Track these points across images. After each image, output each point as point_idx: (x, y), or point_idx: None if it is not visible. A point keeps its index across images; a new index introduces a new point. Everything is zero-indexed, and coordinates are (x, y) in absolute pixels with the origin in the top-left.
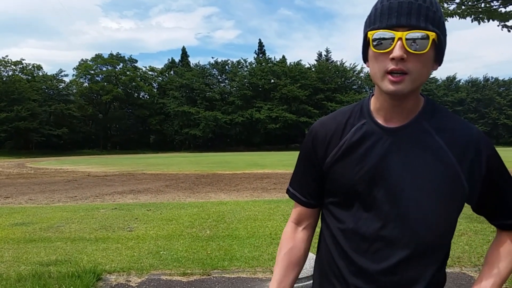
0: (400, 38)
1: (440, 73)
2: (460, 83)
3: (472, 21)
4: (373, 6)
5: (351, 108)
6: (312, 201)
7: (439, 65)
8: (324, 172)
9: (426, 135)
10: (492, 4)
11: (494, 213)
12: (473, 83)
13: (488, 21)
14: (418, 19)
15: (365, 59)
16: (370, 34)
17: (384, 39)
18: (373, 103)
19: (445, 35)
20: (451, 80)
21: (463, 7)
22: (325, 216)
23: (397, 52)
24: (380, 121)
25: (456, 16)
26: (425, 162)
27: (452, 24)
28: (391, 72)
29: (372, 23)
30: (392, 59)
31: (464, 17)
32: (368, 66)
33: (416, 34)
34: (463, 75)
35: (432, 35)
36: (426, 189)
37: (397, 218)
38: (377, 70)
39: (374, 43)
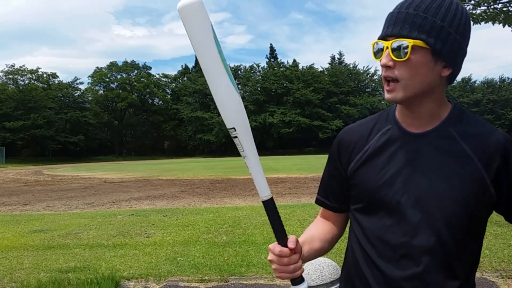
0: (387, 47)
1: None
2: (476, 84)
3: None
4: None
5: (378, 115)
6: (337, 204)
7: (451, 68)
8: (348, 178)
9: (451, 141)
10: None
11: None
12: (488, 84)
13: (505, 25)
14: (402, 28)
15: None
16: (372, 44)
17: (379, 48)
18: (398, 109)
19: (445, 39)
20: (466, 81)
21: (488, 10)
22: (351, 222)
23: (383, 60)
24: (405, 126)
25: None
26: (450, 168)
27: None
28: (386, 80)
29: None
30: (382, 66)
31: (488, 21)
32: None
33: (398, 42)
34: (478, 76)
35: (411, 42)
36: (451, 195)
37: (421, 225)
38: (382, 77)
39: (374, 52)
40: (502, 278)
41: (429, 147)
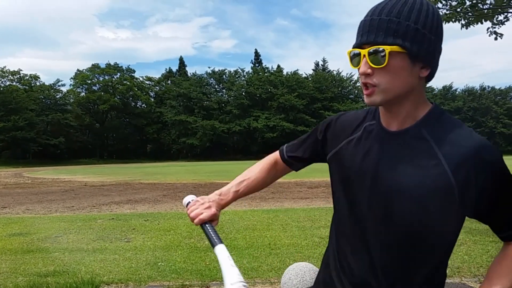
0: (364, 55)
1: (436, 82)
2: (457, 92)
3: (462, 27)
4: None
5: (370, 109)
6: (290, 159)
7: (429, 68)
8: (328, 160)
9: (423, 142)
10: (483, 10)
11: (500, 225)
12: (469, 92)
13: (477, 23)
14: (377, 35)
15: None
16: (348, 52)
17: (355, 56)
18: (380, 107)
19: (421, 41)
20: (447, 89)
21: (452, 11)
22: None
23: (361, 68)
24: (384, 124)
25: (449, 21)
26: (416, 168)
27: (447, 33)
28: (365, 85)
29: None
30: (360, 74)
31: (454, 21)
32: None
33: (375, 49)
34: (459, 84)
35: (387, 48)
36: (414, 197)
37: (381, 220)
38: (361, 82)
39: (351, 61)
40: (480, 283)
41: (401, 146)
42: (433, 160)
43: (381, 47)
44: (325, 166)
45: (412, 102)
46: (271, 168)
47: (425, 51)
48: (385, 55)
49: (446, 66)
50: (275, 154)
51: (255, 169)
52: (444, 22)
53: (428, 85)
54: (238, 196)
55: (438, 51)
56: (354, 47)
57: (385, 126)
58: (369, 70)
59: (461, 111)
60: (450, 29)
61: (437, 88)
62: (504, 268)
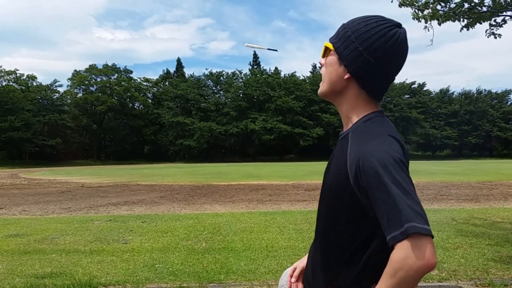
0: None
1: (433, 85)
2: (454, 96)
3: (461, 29)
4: None
5: None
6: None
7: (350, 74)
8: None
9: (343, 150)
10: (481, 12)
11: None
12: (466, 96)
13: (476, 23)
14: (333, 35)
15: None
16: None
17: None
18: None
19: (348, 46)
20: (444, 92)
21: (451, 13)
22: None
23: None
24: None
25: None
26: (335, 173)
27: (444, 37)
28: None
29: None
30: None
31: (454, 21)
32: None
33: (326, 45)
34: (456, 87)
35: (329, 45)
36: (325, 194)
37: (318, 220)
38: None
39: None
40: (477, 286)
41: (336, 148)
42: (343, 163)
43: (327, 44)
44: (321, 168)
45: (347, 106)
46: None
47: (348, 56)
48: (324, 49)
49: (443, 70)
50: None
51: None
52: (442, 22)
53: (425, 88)
54: None
55: (374, 70)
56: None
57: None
58: (322, 61)
59: (458, 115)
60: (446, 32)
61: (434, 91)
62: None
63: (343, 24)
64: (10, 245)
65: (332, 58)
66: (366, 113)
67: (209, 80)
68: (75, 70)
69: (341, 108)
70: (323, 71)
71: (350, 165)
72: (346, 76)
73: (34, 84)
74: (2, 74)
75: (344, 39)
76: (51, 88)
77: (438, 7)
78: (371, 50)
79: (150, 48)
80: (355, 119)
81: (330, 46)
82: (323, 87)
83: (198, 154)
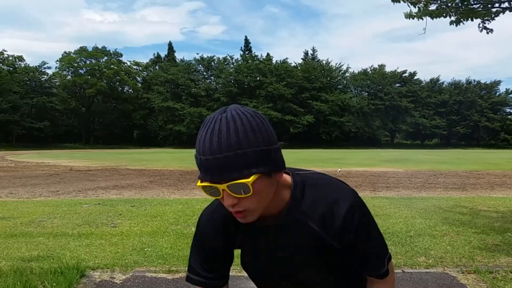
0: (223, 190)
1: (424, 75)
2: (444, 85)
3: (451, 23)
4: None
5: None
6: (217, 281)
7: (283, 170)
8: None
9: (300, 224)
10: (473, 6)
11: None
12: (456, 86)
13: (467, 20)
14: (230, 172)
15: None
16: (200, 185)
17: (211, 188)
18: None
19: (268, 156)
20: (434, 82)
21: (443, 6)
22: None
23: (227, 201)
24: (260, 220)
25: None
26: (304, 246)
27: (436, 26)
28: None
29: (200, 175)
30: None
31: (446, 16)
32: None
33: (235, 187)
34: (446, 77)
35: (248, 181)
36: (306, 268)
37: None
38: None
39: (207, 193)
40: (463, 273)
41: (283, 233)
42: (318, 239)
43: (241, 182)
44: (311, 156)
45: (276, 198)
46: None
47: (275, 163)
48: (248, 187)
49: (434, 59)
50: None
51: None
52: (434, 17)
53: (415, 77)
54: None
55: (278, 149)
56: (207, 181)
57: (261, 222)
58: (235, 201)
59: (447, 104)
60: (439, 21)
61: (424, 81)
62: None
63: (237, 153)
64: None
65: (261, 182)
66: (288, 186)
67: (200, 65)
68: (64, 52)
69: (266, 209)
70: (249, 203)
71: (335, 230)
72: (281, 177)
73: (22, 65)
74: None
75: (259, 158)
76: (39, 70)
77: (432, 7)
78: (268, 138)
79: (140, 31)
80: (287, 197)
81: (255, 176)
82: (258, 213)
83: (187, 140)
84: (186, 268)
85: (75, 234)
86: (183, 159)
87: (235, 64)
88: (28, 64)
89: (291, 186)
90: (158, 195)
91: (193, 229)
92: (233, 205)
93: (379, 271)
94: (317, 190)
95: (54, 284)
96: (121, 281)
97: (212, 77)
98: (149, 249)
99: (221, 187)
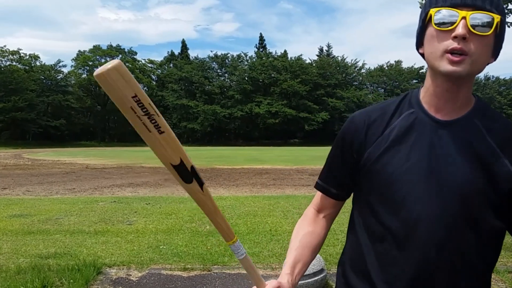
0: (464, 17)
1: None
2: None
3: None
4: None
5: (399, 98)
6: (343, 193)
7: (495, 59)
8: (362, 164)
9: (478, 134)
10: None
11: None
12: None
13: None
14: (484, 1)
15: (419, 43)
16: (433, 11)
17: (447, 16)
18: (423, 92)
19: (504, 27)
20: None
21: None
22: (359, 214)
23: (460, 30)
24: (431, 112)
25: None
26: (475, 161)
27: None
28: (451, 52)
29: (434, 2)
30: (455, 37)
31: None
32: (420, 53)
33: (481, 15)
34: None
35: (497, 18)
36: (476, 189)
37: (438, 219)
38: (436, 49)
39: (436, 21)
40: None
41: (454, 137)
42: (491, 153)
43: (491, 15)
44: (325, 153)
45: (469, 89)
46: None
47: (503, 38)
48: (492, 25)
49: None
50: (309, 209)
51: (303, 249)
52: None
53: None
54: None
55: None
56: (447, 6)
57: (433, 114)
58: (467, 34)
59: None
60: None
61: None
62: None
63: None
64: (14, 225)
65: (493, 35)
66: (473, 96)
67: (214, 63)
68: (79, 51)
69: (461, 92)
70: (477, 48)
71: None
72: (492, 62)
73: (38, 64)
74: (6, 54)
75: (502, 12)
76: (55, 68)
77: None
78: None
79: (154, 29)
80: (470, 104)
81: (499, 21)
82: (473, 68)
83: (201, 137)
84: (202, 266)
85: (91, 232)
86: (197, 157)
87: (249, 61)
88: (44, 63)
89: (475, 99)
90: (172, 193)
91: (208, 227)
92: (461, 40)
93: None
94: (497, 113)
95: (71, 280)
96: (137, 278)
97: (226, 75)
98: (164, 247)
99: (463, 14)
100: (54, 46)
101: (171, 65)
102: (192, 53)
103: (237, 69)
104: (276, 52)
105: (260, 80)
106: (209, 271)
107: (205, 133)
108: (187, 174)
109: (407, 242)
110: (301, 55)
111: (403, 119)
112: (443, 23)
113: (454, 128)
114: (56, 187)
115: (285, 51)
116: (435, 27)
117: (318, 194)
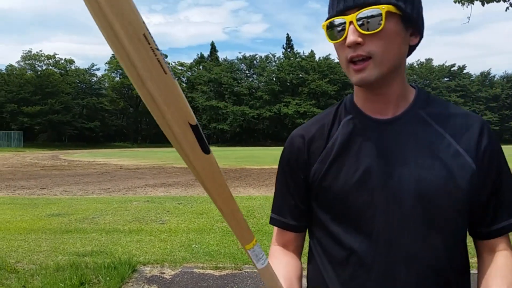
0: (351, 22)
1: (473, 68)
2: (495, 79)
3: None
4: None
5: (333, 108)
6: (301, 223)
7: (420, 36)
8: (311, 184)
9: (426, 125)
10: None
11: (496, 212)
12: (508, 79)
13: None
14: None
15: None
16: (324, 26)
17: (335, 25)
18: (359, 95)
19: (409, 4)
20: (485, 75)
21: None
22: (315, 238)
23: (350, 38)
24: (369, 113)
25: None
26: (428, 154)
27: (487, 17)
28: (352, 61)
29: (328, 14)
30: (349, 46)
31: (498, 1)
32: None
33: (366, 12)
34: (498, 70)
35: (383, 8)
36: (436, 184)
37: (403, 225)
38: (342, 61)
39: (329, 36)
40: None
41: (401, 133)
42: (441, 141)
43: (376, 8)
44: None
45: (401, 81)
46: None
47: (417, 12)
48: (381, 17)
49: (484, 52)
50: (273, 247)
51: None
52: (485, 2)
53: (465, 71)
54: None
55: (422, 16)
56: (334, 15)
57: (371, 115)
58: (359, 39)
59: (499, 99)
60: (488, 12)
61: (474, 74)
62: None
63: None
64: (53, 224)
65: (395, 24)
66: (410, 86)
67: (242, 64)
68: (112, 55)
69: (391, 88)
70: (376, 48)
71: (467, 137)
72: (415, 42)
73: (72, 68)
74: (42, 58)
75: None
76: (89, 72)
77: None
78: None
79: (184, 32)
80: (410, 96)
81: (392, 8)
82: (382, 69)
83: (231, 138)
84: (233, 265)
85: (126, 230)
86: (227, 157)
87: (277, 62)
88: (79, 67)
89: (415, 90)
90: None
91: None
92: (356, 47)
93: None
94: (441, 100)
95: (108, 278)
96: (170, 277)
97: (255, 76)
98: (196, 246)
99: (349, 18)
100: (88, 50)
101: (201, 67)
102: (221, 55)
103: (265, 70)
104: (304, 53)
105: (288, 81)
106: (240, 270)
107: (234, 133)
108: (204, 142)
109: (373, 261)
110: (329, 54)
111: (343, 127)
112: (334, 36)
113: (398, 124)
114: (92, 187)
115: (312, 51)
116: (330, 41)
117: (276, 230)
